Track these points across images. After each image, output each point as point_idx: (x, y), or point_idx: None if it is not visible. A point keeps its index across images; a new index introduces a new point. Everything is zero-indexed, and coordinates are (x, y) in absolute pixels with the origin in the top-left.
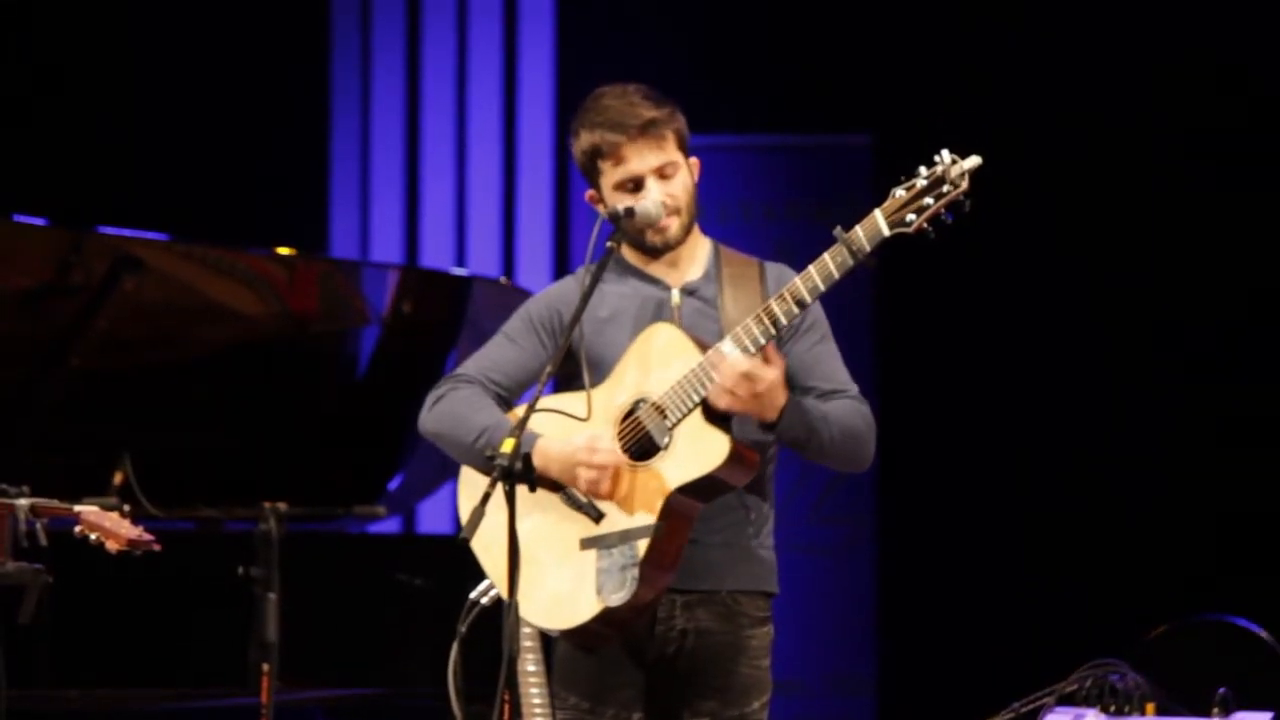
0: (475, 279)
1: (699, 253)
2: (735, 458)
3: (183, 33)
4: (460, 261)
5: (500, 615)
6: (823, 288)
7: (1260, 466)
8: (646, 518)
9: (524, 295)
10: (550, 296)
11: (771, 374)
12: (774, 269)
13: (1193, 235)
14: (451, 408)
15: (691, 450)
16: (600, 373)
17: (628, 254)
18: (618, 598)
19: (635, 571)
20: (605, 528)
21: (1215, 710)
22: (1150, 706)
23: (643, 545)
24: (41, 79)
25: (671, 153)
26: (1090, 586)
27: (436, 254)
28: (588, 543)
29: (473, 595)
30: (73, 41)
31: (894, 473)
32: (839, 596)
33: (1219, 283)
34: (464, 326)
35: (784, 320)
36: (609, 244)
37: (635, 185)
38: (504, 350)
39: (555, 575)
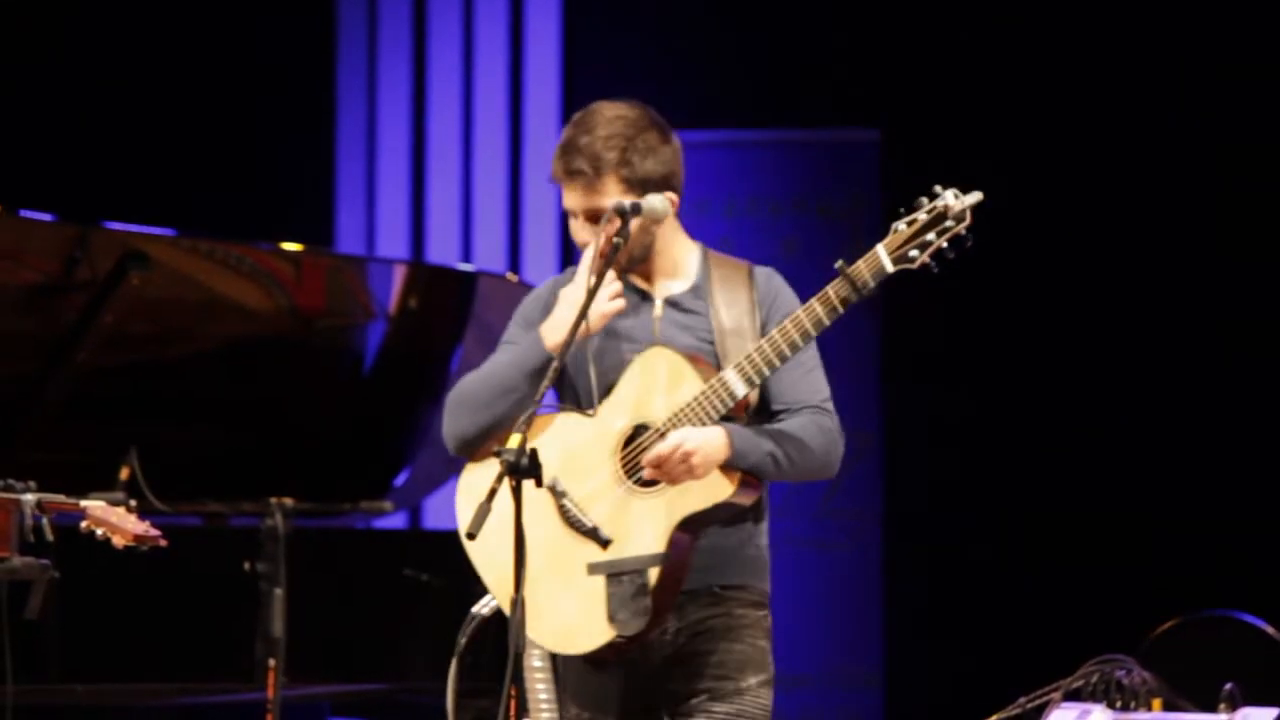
0: (481, 274)
1: (684, 262)
2: (742, 484)
3: (189, 27)
4: (466, 257)
5: (505, 615)
6: (826, 322)
7: (1268, 462)
8: (654, 545)
9: (530, 291)
10: (540, 296)
11: (691, 444)
12: (762, 273)
13: (1196, 233)
14: (461, 393)
15: (699, 481)
16: (586, 388)
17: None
18: (633, 626)
19: (648, 601)
20: (613, 554)
21: (1222, 706)
22: (1157, 702)
23: (654, 574)
24: (47, 74)
25: (607, 198)
26: (1097, 582)
27: (442, 249)
28: (595, 568)
29: (474, 609)
30: (79, 35)
31: (901, 467)
32: (847, 591)
33: (1223, 280)
34: (470, 322)
35: (789, 353)
36: (616, 239)
37: (574, 214)
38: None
39: (563, 599)
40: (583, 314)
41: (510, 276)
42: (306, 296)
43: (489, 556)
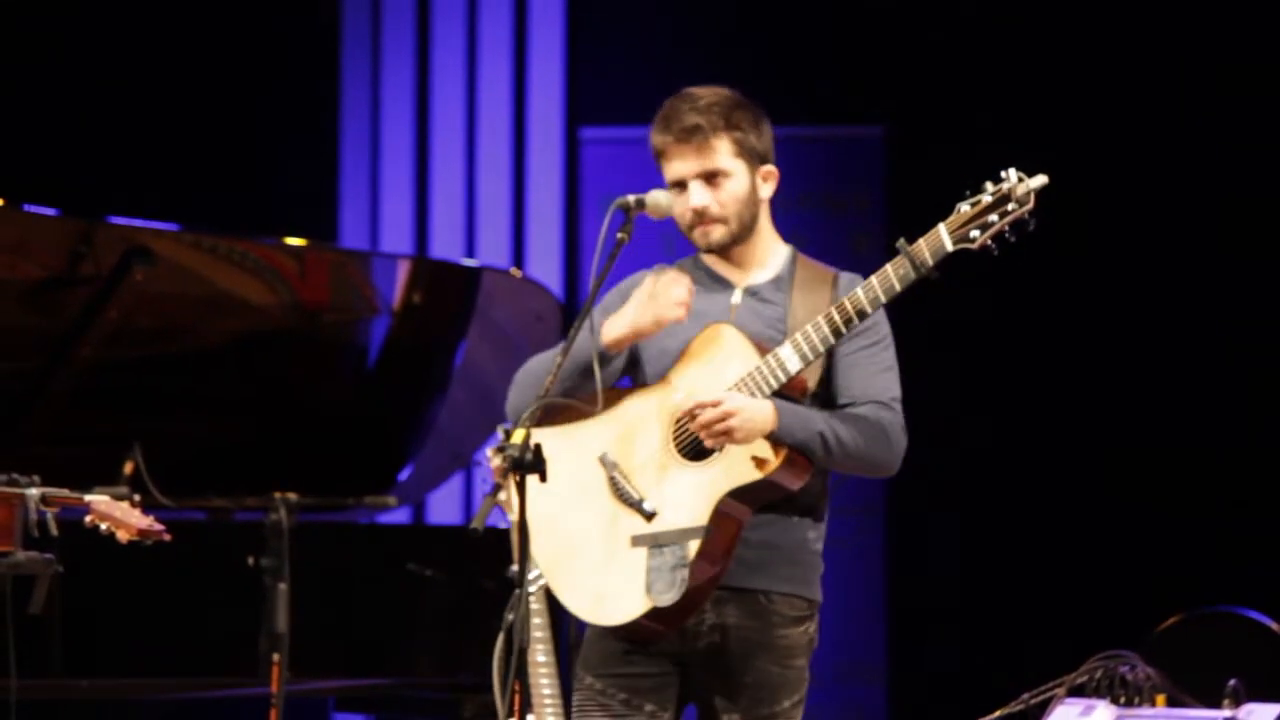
0: (485, 269)
1: (772, 257)
2: (789, 463)
3: (193, 23)
4: (470, 252)
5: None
6: (884, 299)
7: (1272, 456)
8: (698, 519)
9: (534, 286)
10: (622, 287)
11: (732, 405)
12: (846, 277)
13: (1199, 230)
14: (527, 371)
15: (746, 453)
16: (656, 368)
17: (703, 254)
18: (668, 597)
19: (685, 572)
20: (656, 526)
21: (1226, 702)
22: (1161, 698)
23: (694, 546)
24: (52, 68)
25: (720, 160)
26: (1101, 578)
27: (446, 244)
28: (639, 540)
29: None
30: (82, 30)
31: (905, 462)
32: (850, 587)
33: (1225, 277)
34: (474, 317)
35: (844, 329)
36: (619, 234)
37: (681, 186)
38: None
39: (605, 571)
40: (588, 308)
41: (514, 272)
42: (310, 291)
43: (535, 529)
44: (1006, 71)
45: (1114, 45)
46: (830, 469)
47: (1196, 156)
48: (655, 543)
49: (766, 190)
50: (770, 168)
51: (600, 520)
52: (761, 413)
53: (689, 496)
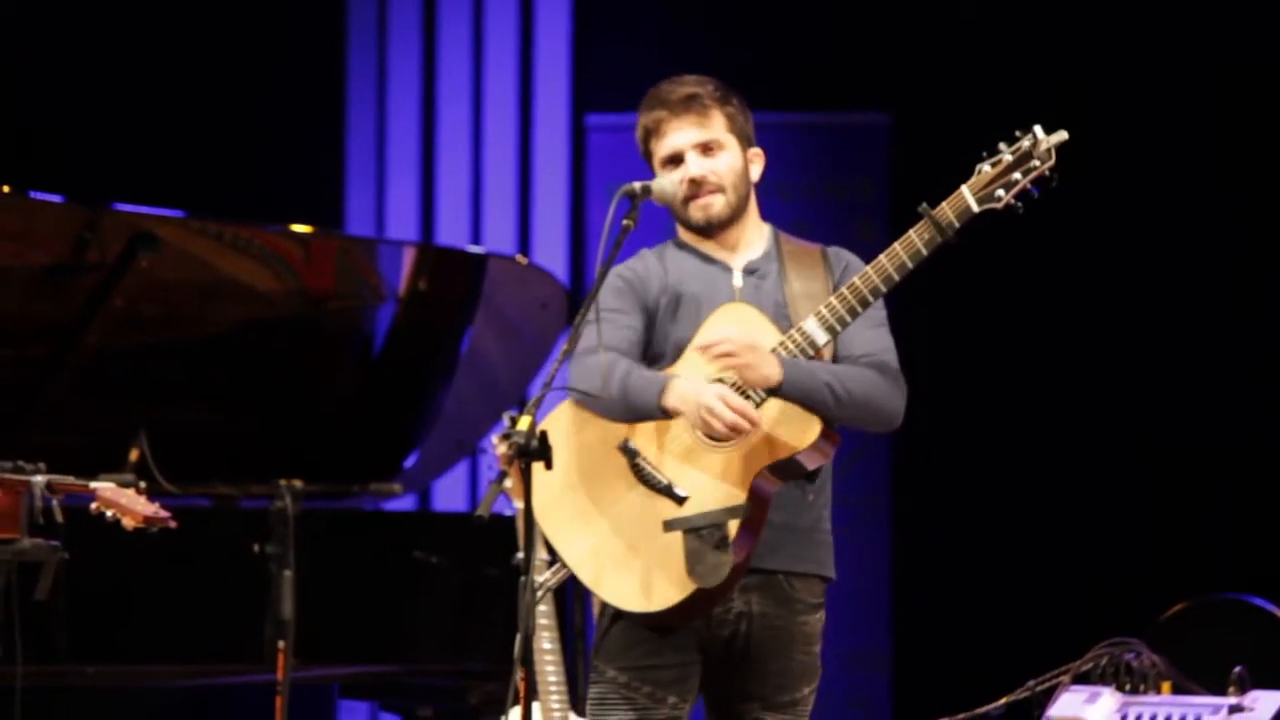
0: (491, 256)
1: (758, 237)
2: (824, 437)
3: (199, 9)
4: (476, 239)
5: (562, 590)
6: (911, 265)
7: (1276, 446)
8: (733, 498)
9: (540, 272)
10: (624, 270)
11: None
12: (834, 252)
13: (1201, 226)
14: (603, 403)
15: (778, 430)
16: (660, 351)
17: (686, 236)
18: (714, 578)
19: (729, 553)
20: (689, 509)
21: (1231, 689)
22: (1166, 685)
23: (734, 526)
24: (59, 57)
25: (716, 131)
26: (1106, 565)
27: (452, 231)
28: (672, 525)
29: (539, 578)
30: (89, 19)
31: (910, 452)
32: (855, 576)
33: (1228, 269)
34: (480, 304)
35: (870, 299)
36: (625, 222)
37: (677, 160)
38: (618, 326)
39: (637, 558)
40: (593, 295)
41: (520, 258)
42: (316, 278)
43: (560, 523)
44: (1012, 59)
45: (1122, 31)
46: (841, 422)
47: (1197, 151)
48: (691, 525)
49: (756, 171)
50: (758, 150)
51: (627, 510)
52: (768, 359)
53: (721, 476)
